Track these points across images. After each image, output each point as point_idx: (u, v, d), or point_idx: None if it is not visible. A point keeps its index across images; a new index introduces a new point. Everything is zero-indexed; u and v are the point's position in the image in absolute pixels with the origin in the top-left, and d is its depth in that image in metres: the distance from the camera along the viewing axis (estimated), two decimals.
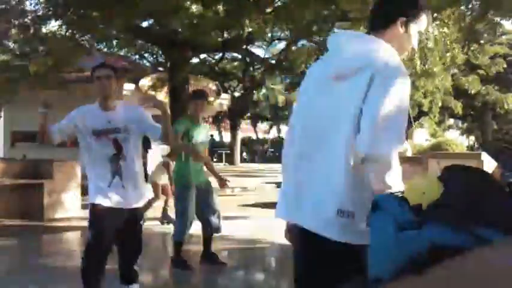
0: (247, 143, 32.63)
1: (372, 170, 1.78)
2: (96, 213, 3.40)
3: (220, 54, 22.26)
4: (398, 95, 1.80)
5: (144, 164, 11.94)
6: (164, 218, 7.80)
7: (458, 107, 16.38)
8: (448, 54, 12.33)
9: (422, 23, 2.05)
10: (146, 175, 11.98)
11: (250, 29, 11.32)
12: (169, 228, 6.93)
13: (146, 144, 11.61)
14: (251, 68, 23.29)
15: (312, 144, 1.94)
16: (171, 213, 7.07)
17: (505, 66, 15.32)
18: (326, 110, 1.92)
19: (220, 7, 9.88)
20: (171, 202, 6.94)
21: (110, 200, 3.38)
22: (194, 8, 9.94)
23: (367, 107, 1.79)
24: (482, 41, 11.01)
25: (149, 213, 7.14)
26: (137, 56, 20.59)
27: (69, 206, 8.68)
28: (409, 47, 2.05)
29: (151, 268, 5.65)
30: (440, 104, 15.33)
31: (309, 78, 2.08)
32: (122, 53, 16.66)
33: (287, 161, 2.07)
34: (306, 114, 2.02)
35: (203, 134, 5.31)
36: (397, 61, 1.88)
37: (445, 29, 10.44)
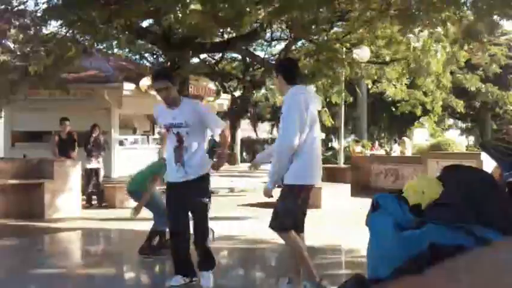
0: (247, 143, 32.62)
1: None
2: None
3: (220, 54, 22.27)
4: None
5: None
6: None
7: (460, 105, 16.29)
8: (448, 51, 12.33)
9: None
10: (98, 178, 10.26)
11: (249, 28, 11.32)
12: None
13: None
14: (251, 68, 23.29)
15: None
16: None
17: (505, 61, 15.17)
18: None
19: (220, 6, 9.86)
20: None
21: None
22: (193, 6, 9.92)
23: None
24: (484, 40, 10.96)
25: None
26: (137, 56, 20.59)
27: (69, 206, 8.69)
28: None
29: (150, 267, 5.66)
30: (441, 103, 15.31)
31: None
32: (121, 53, 16.66)
33: None
34: None
35: None
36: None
37: (441, 29, 10.46)
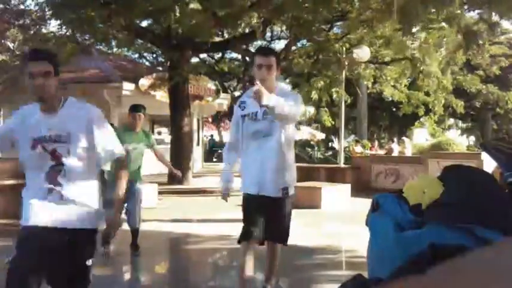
0: None
1: None
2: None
3: (220, 54, 22.28)
4: None
5: None
6: None
7: (459, 106, 16.32)
8: (444, 51, 12.36)
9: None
10: None
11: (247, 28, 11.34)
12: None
13: None
14: (251, 68, 23.34)
15: None
16: None
17: (506, 64, 15.19)
18: None
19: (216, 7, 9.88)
20: None
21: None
22: (191, 6, 9.94)
23: None
24: (481, 42, 10.99)
25: None
26: (137, 56, 20.61)
27: None
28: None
29: (149, 266, 5.66)
30: (442, 103, 15.34)
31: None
32: (121, 53, 16.68)
33: None
34: None
35: (139, 140, 5.70)
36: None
37: (441, 28, 10.48)
